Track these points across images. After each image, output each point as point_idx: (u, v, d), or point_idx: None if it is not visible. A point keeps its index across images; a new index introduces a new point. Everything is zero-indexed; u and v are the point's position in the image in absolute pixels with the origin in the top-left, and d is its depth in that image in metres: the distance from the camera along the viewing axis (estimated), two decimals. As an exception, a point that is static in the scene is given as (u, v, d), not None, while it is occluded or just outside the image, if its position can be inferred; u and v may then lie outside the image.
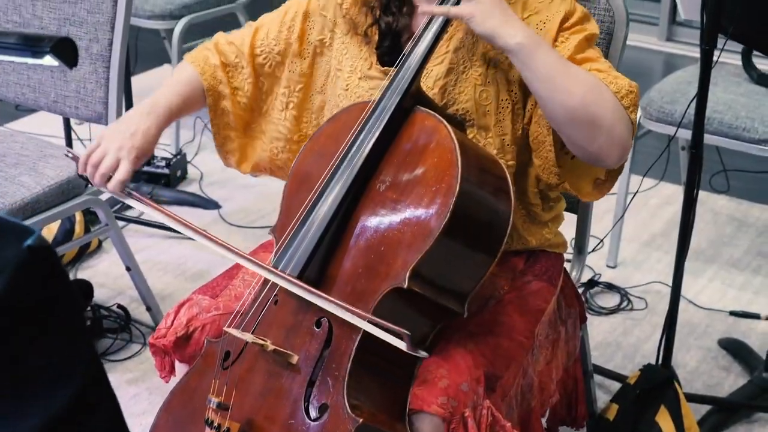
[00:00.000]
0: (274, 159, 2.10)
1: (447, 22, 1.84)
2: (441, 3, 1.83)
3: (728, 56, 2.66)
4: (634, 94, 1.83)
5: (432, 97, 1.89)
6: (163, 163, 3.85)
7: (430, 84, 1.89)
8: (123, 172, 1.89)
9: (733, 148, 3.07)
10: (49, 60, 1.32)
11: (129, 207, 3.70)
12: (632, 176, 3.35)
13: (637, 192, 3.32)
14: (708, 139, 3.01)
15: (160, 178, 3.83)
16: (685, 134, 2.89)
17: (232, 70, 2.07)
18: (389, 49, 1.95)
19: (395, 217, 1.72)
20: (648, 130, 3.22)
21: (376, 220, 1.75)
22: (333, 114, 1.94)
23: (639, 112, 3.17)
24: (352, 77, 1.97)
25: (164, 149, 4.07)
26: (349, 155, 1.80)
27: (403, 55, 1.84)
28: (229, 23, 4.48)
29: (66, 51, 1.30)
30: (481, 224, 1.74)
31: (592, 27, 1.89)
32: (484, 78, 1.88)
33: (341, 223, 1.78)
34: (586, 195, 1.96)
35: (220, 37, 2.10)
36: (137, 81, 4.66)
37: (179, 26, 4.00)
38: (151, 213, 1.90)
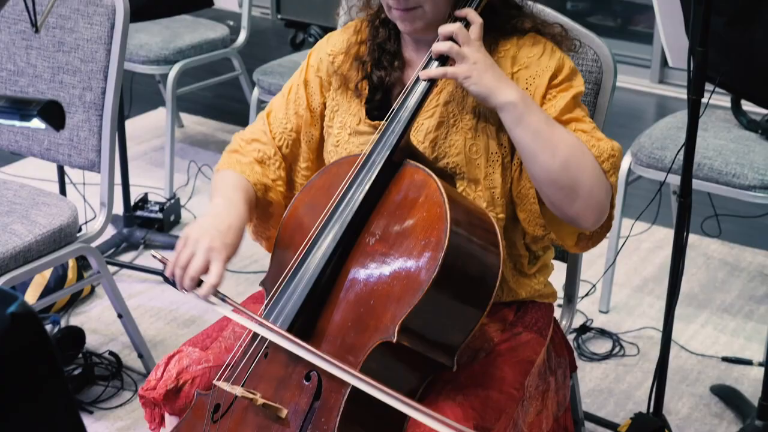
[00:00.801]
0: None
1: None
2: (426, 65, 1.86)
3: (719, 98, 2.69)
4: (615, 158, 1.87)
5: (423, 150, 1.91)
6: (156, 208, 3.85)
7: (420, 137, 1.91)
8: (215, 275, 1.78)
9: (724, 194, 3.08)
10: (36, 123, 1.33)
11: (122, 252, 3.72)
12: (624, 220, 3.37)
13: (628, 236, 3.33)
14: (698, 185, 3.04)
15: (153, 222, 3.83)
16: (676, 180, 2.90)
17: (263, 166, 2.04)
18: (380, 103, 1.97)
19: (384, 271, 1.73)
20: (639, 176, 3.24)
21: (365, 274, 1.75)
22: (324, 167, 1.96)
23: (629, 159, 3.22)
24: (342, 133, 1.99)
25: (158, 194, 4.08)
26: (340, 208, 1.81)
27: (394, 108, 1.86)
28: (224, 67, 4.51)
29: (53, 114, 1.31)
30: (471, 278, 1.75)
31: (579, 84, 1.91)
32: (474, 131, 1.90)
33: (331, 276, 1.79)
34: (571, 248, 1.98)
35: (238, 138, 2.09)
36: (132, 124, 4.70)
37: (173, 71, 4.03)
38: (247, 323, 1.77)
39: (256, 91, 3.92)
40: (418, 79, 1.86)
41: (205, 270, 1.79)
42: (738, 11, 2.43)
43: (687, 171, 2.35)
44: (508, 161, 1.92)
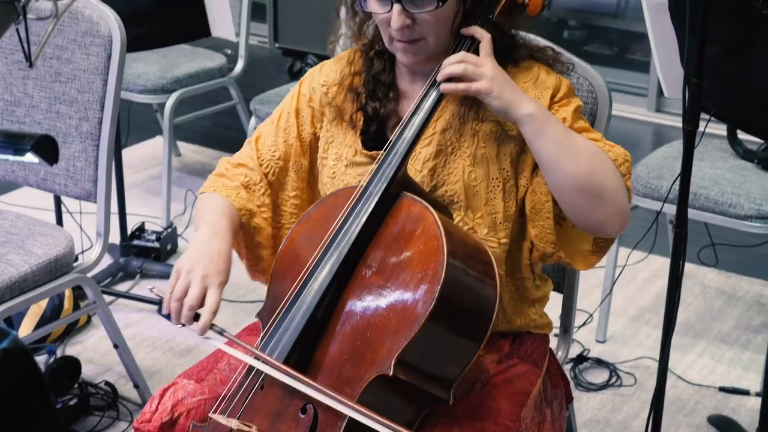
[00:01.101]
0: None
1: (435, 107, 1.87)
2: (427, 92, 1.87)
3: (715, 126, 2.69)
4: (629, 163, 1.92)
5: (421, 179, 1.91)
6: (153, 237, 3.85)
7: (419, 166, 1.92)
8: (213, 301, 1.79)
9: (720, 224, 3.08)
10: (30, 157, 1.34)
11: (118, 281, 3.71)
12: (621, 249, 3.37)
13: (625, 265, 3.33)
14: (695, 214, 3.04)
15: (150, 251, 3.83)
16: (672, 209, 2.89)
17: (249, 191, 2.05)
18: (375, 134, 1.97)
19: (381, 304, 1.73)
20: (635, 205, 3.24)
21: (362, 306, 1.75)
22: (321, 198, 1.97)
23: (627, 185, 3.22)
24: (338, 165, 1.99)
25: (154, 222, 4.08)
26: (336, 240, 1.81)
27: (391, 140, 1.86)
28: (221, 96, 4.52)
29: (46, 149, 1.32)
30: (467, 311, 1.74)
31: (577, 99, 1.96)
32: (472, 158, 1.91)
33: (328, 308, 1.79)
34: (579, 263, 1.98)
35: (225, 162, 2.09)
36: (129, 152, 4.70)
37: (171, 100, 4.03)
38: (243, 357, 1.78)
39: (253, 120, 3.92)
40: (415, 111, 1.86)
41: (203, 299, 1.80)
42: (732, 41, 2.43)
43: (683, 202, 2.34)
44: (510, 185, 1.92)
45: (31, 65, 1.33)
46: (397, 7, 1.83)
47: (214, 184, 2.06)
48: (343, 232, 1.81)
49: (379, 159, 1.86)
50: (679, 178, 2.34)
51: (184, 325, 1.80)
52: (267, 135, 2.08)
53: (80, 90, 2.70)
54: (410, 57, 1.90)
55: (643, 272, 3.84)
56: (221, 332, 1.78)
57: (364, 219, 1.80)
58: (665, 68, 2.86)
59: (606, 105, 2.17)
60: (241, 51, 4.29)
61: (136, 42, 3.48)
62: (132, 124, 4.61)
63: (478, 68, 1.82)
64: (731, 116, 2.63)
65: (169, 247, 3.89)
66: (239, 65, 4.30)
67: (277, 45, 5.98)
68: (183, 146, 4.95)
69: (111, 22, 2.65)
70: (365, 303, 1.75)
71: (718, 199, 3.05)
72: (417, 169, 1.91)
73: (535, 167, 1.91)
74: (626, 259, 3.36)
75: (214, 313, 1.78)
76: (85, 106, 2.70)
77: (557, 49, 2.05)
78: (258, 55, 6.33)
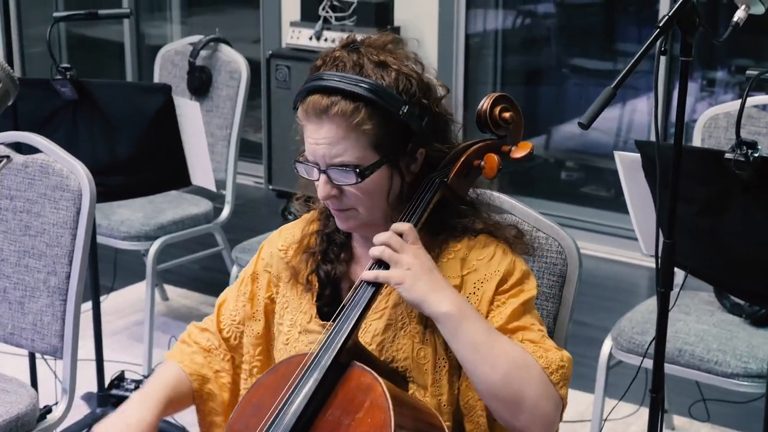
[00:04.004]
0: None
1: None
2: (371, 267, 1.82)
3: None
4: (564, 369, 1.81)
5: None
6: (132, 386, 3.76)
7: (368, 339, 1.87)
8: None
9: (706, 381, 3.00)
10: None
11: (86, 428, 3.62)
12: (608, 400, 3.27)
13: (606, 419, 3.23)
14: (681, 372, 2.97)
15: (128, 401, 3.74)
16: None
17: (209, 354, 2.03)
18: (329, 299, 1.93)
19: (327, 481, 1.66)
20: (619, 360, 3.16)
21: (308, 483, 1.68)
22: (273, 365, 1.91)
23: (610, 344, 3.14)
24: (292, 331, 1.95)
25: (135, 371, 4.00)
26: (283, 412, 1.76)
27: (342, 308, 1.82)
28: (211, 238, 4.49)
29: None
30: (417, 488, 1.67)
31: (531, 287, 1.87)
32: (422, 336, 1.86)
33: (275, 484, 1.72)
34: None
35: (192, 327, 2.09)
36: (116, 297, 4.66)
37: (153, 248, 3.98)
38: None
39: (234, 269, 3.87)
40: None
41: None
42: (708, 201, 2.40)
43: (658, 365, 2.28)
44: (456, 369, 1.86)
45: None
46: (322, 177, 1.82)
47: (174, 352, 2.05)
48: (290, 402, 1.76)
49: (329, 327, 1.81)
50: (654, 341, 2.28)
51: None
52: (231, 299, 2.07)
53: (49, 244, 2.67)
54: (343, 223, 1.89)
55: (633, 426, 3.73)
56: None
57: (312, 389, 1.75)
58: (641, 225, 2.82)
59: (576, 266, 2.12)
60: (228, 197, 4.27)
61: (116, 191, 3.48)
62: (120, 266, 4.58)
63: (395, 254, 1.78)
64: (709, 276, 2.57)
65: (148, 396, 3.80)
66: (225, 211, 4.28)
67: (270, 187, 5.98)
68: (171, 290, 4.90)
69: (81, 177, 2.63)
70: (312, 479, 1.68)
71: (704, 356, 2.96)
72: (366, 342, 1.86)
73: None
74: (610, 411, 3.26)
75: None
76: (53, 260, 2.67)
77: (521, 227, 2.00)
78: (253, 196, 6.33)
